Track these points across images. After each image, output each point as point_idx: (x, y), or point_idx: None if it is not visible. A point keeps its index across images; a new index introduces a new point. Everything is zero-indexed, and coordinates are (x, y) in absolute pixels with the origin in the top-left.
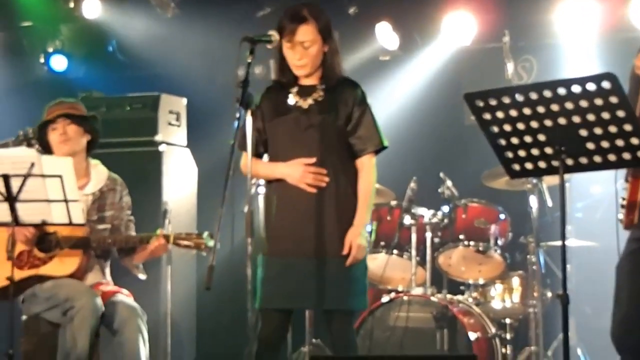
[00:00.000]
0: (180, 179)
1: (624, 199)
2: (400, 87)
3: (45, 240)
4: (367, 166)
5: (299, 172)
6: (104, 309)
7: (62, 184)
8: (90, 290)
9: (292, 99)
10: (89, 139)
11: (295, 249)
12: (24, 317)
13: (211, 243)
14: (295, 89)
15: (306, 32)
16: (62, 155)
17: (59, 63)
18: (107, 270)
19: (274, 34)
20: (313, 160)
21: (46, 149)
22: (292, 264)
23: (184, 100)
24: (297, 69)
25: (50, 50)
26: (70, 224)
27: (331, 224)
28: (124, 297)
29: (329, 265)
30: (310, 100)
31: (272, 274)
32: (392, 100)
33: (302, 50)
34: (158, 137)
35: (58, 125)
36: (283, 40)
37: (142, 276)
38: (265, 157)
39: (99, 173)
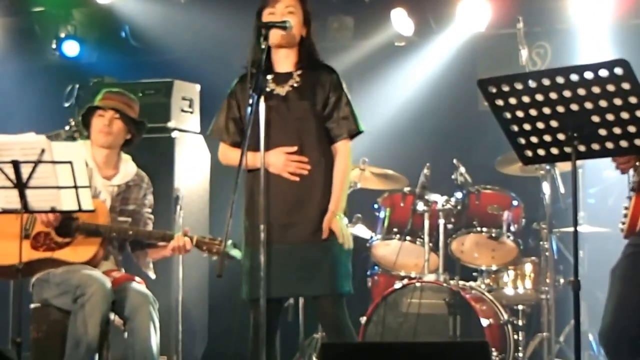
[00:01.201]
0: (192, 165)
1: (626, 208)
2: (415, 72)
3: (65, 225)
4: (342, 151)
5: (281, 160)
6: (114, 296)
7: (72, 170)
8: (102, 276)
9: (268, 87)
10: (129, 137)
11: (278, 237)
12: (32, 305)
13: (234, 252)
14: (270, 76)
15: (289, 1)
16: (98, 145)
17: (71, 48)
18: (120, 260)
19: (289, 20)
20: (294, 148)
21: (86, 128)
22: (275, 252)
23: (197, 87)
24: (275, 32)
25: (63, 35)
26: (80, 210)
27: (312, 210)
28: (136, 284)
29: (313, 251)
30: (287, 87)
31: (257, 264)
32: (406, 86)
33: (285, 13)
34: (171, 124)
35: (106, 114)
36: (265, 10)
37: (151, 274)
38: None
39: (128, 167)
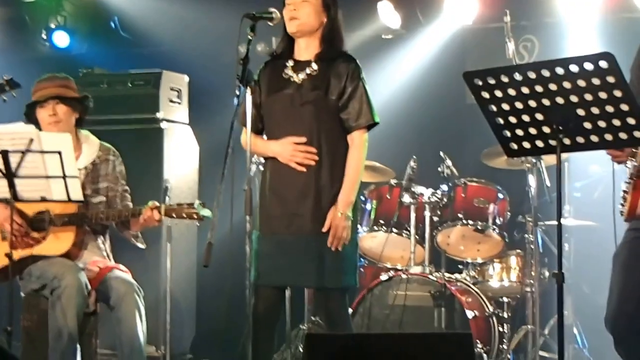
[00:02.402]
0: (181, 156)
1: (625, 192)
2: (402, 65)
3: (38, 219)
4: (358, 142)
5: (288, 150)
6: (90, 287)
7: (61, 159)
8: (75, 267)
9: (286, 74)
10: (78, 115)
11: (285, 227)
12: (23, 294)
13: (203, 212)
14: (290, 64)
15: None
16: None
17: (61, 39)
18: (106, 246)
19: (276, 11)
20: (303, 139)
21: (35, 124)
22: (283, 241)
23: (186, 78)
24: (289, 23)
25: (53, 26)
26: (69, 200)
27: (320, 201)
28: (121, 273)
29: (319, 242)
30: (303, 75)
31: (265, 251)
32: (394, 78)
33: (298, 2)
34: (159, 115)
35: (47, 105)
36: None
37: (141, 245)
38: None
39: (91, 144)
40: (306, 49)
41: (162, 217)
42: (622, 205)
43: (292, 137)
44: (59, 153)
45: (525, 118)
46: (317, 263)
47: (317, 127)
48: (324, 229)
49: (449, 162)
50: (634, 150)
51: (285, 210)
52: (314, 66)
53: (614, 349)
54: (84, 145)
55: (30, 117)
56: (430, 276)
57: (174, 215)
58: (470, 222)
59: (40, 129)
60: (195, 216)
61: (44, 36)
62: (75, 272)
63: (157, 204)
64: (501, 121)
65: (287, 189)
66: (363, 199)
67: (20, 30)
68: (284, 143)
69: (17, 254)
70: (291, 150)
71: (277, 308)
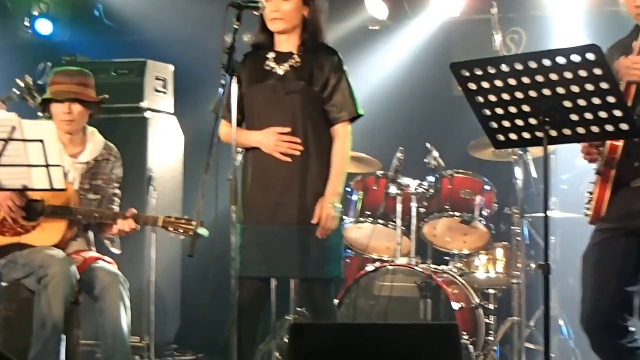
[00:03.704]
0: (166, 146)
1: (591, 194)
2: (390, 57)
3: (31, 208)
4: (342, 134)
5: (272, 140)
6: (78, 276)
7: (44, 148)
8: (64, 258)
9: (268, 65)
10: (91, 114)
11: (270, 218)
12: (3, 284)
13: (201, 231)
14: (272, 55)
15: None
16: (63, 132)
17: (44, 27)
18: (92, 239)
19: (262, 0)
20: (288, 129)
21: (46, 111)
22: (267, 232)
23: (171, 67)
24: (271, 23)
25: (36, 13)
26: (52, 189)
27: (305, 192)
28: (106, 264)
29: (304, 233)
30: (286, 67)
31: (248, 243)
32: (381, 70)
33: (279, 2)
34: (144, 104)
35: (64, 103)
36: None
37: (116, 251)
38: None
39: (96, 142)
40: (287, 41)
41: (137, 227)
42: (587, 208)
43: (275, 127)
44: (42, 141)
45: (513, 110)
46: (302, 254)
47: (301, 117)
48: (314, 221)
49: (435, 154)
50: (600, 148)
51: (269, 200)
52: (297, 58)
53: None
54: (88, 142)
55: (45, 107)
56: (416, 267)
57: (170, 229)
58: (457, 213)
59: (52, 118)
60: (191, 233)
61: (26, 23)
62: (64, 262)
63: (134, 211)
64: (488, 113)
65: (270, 179)
66: (349, 190)
67: (2, 17)
68: (268, 133)
69: (4, 240)
70: (275, 141)
71: (262, 299)
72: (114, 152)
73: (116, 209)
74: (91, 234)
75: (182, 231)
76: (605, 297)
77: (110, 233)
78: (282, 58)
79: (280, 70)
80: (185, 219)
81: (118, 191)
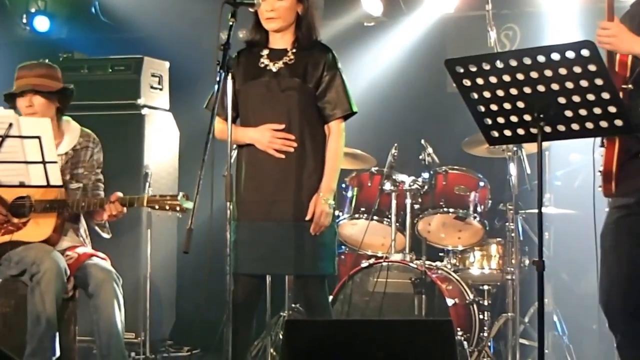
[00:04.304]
0: (161, 142)
1: (600, 171)
2: (384, 53)
3: (19, 205)
4: (335, 132)
5: (266, 137)
6: (69, 272)
7: (41, 145)
8: (54, 253)
9: (262, 62)
10: (58, 105)
11: (264, 214)
12: (0, 280)
13: (186, 204)
14: (266, 52)
15: None
16: None
17: (41, 23)
18: (82, 232)
19: None
20: (282, 126)
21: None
22: (261, 229)
23: (167, 64)
24: (267, 22)
25: (33, 10)
26: (48, 185)
27: (299, 189)
28: (99, 260)
29: (298, 230)
30: (280, 64)
31: (242, 239)
32: (375, 66)
33: (274, 1)
34: (140, 101)
35: (25, 95)
36: None
37: (106, 235)
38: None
39: (72, 130)
40: (281, 38)
41: (123, 209)
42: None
43: (270, 124)
44: (39, 138)
45: (507, 106)
46: (296, 250)
47: (296, 114)
48: (308, 217)
49: (430, 150)
50: None
51: (264, 197)
52: (291, 55)
53: (608, 329)
54: (65, 133)
55: (11, 104)
56: (410, 264)
57: (156, 206)
58: (451, 209)
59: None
60: (177, 208)
61: (24, 20)
62: (54, 257)
63: (119, 195)
64: (482, 109)
65: (265, 176)
66: (344, 186)
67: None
68: (262, 130)
69: None
70: (269, 137)
71: (256, 295)
72: (92, 137)
73: (101, 194)
74: (82, 226)
75: (168, 207)
76: (623, 276)
77: (100, 219)
78: (276, 55)
79: (274, 67)
80: (169, 195)
81: (101, 176)
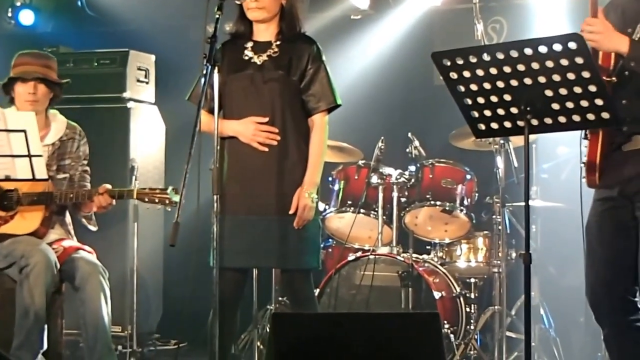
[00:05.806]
0: (148, 136)
1: (584, 163)
2: (371, 46)
3: (5, 198)
4: (319, 124)
5: (250, 130)
6: (59, 265)
7: (26, 138)
8: (44, 246)
9: (246, 55)
10: (52, 96)
11: (246, 208)
12: None
13: (176, 198)
14: (250, 45)
15: None
16: (26, 111)
17: (26, 17)
18: (69, 226)
19: None
20: (266, 119)
21: (8, 96)
22: (243, 222)
23: (153, 57)
24: (250, 12)
25: (18, 4)
26: (34, 179)
27: (282, 182)
28: (86, 253)
29: (281, 223)
30: (264, 56)
31: (226, 233)
32: (362, 59)
33: None
34: (126, 94)
35: (29, 82)
36: None
37: (92, 228)
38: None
39: (59, 122)
40: (265, 30)
41: (112, 201)
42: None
43: (253, 116)
44: (24, 132)
45: (493, 99)
46: (279, 244)
47: (279, 107)
48: (291, 211)
49: (416, 143)
50: None
51: (246, 190)
52: (275, 47)
53: (595, 322)
54: (52, 124)
55: (6, 87)
56: (397, 257)
57: (145, 199)
58: (438, 202)
59: (12, 101)
60: (167, 202)
61: (9, 14)
62: (44, 250)
63: (107, 187)
64: (469, 102)
65: (248, 169)
66: (331, 179)
67: None
68: (246, 122)
69: None
70: (253, 130)
71: (241, 289)
72: (78, 130)
73: (88, 185)
74: (68, 219)
75: (157, 200)
76: (608, 269)
77: (87, 211)
78: (260, 47)
79: (259, 60)
80: (159, 188)
81: (87, 168)
